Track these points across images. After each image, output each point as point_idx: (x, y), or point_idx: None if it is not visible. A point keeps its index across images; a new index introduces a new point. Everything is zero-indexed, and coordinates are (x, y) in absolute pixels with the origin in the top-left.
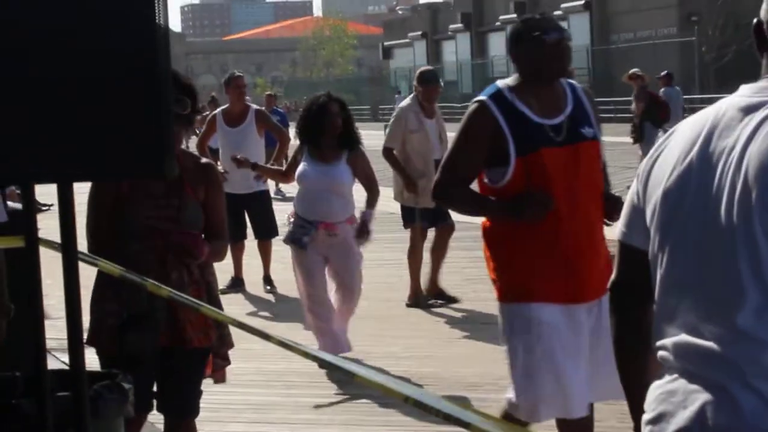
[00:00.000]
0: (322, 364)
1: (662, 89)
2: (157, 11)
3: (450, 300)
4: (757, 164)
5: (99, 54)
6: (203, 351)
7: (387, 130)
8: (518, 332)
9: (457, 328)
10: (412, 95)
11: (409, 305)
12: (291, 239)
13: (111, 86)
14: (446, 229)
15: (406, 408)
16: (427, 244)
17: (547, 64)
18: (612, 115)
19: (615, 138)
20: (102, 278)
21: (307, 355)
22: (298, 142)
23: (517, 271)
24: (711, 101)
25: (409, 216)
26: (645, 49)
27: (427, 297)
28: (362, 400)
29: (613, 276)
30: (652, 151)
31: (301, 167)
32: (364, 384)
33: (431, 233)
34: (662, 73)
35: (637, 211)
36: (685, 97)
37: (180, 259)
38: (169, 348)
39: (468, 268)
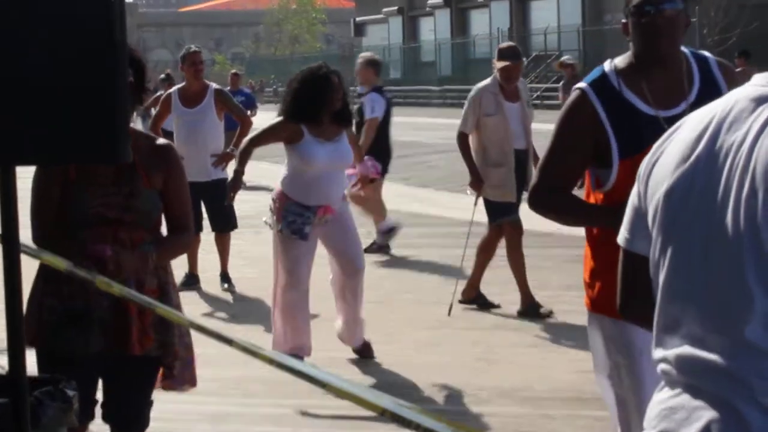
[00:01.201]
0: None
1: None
2: None
3: (489, 305)
4: (766, 161)
5: (45, 26)
6: (154, 358)
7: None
8: (617, 352)
9: (436, 335)
10: (491, 75)
11: (462, 301)
12: (292, 230)
13: (59, 61)
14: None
15: (381, 421)
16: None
17: (659, 40)
18: None
19: None
20: (43, 270)
21: (272, 361)
22: (279, 119)
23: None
24: None
25: (497, 211)
26: None
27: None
28: (330, 411)
29: (618, 287)
30: (654, 148)
31: (305, 148)
32: (337, 395)
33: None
34: (564, 58)
35: (639, 214)
36: None
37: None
38: (116, 353)
39: (447, 267)
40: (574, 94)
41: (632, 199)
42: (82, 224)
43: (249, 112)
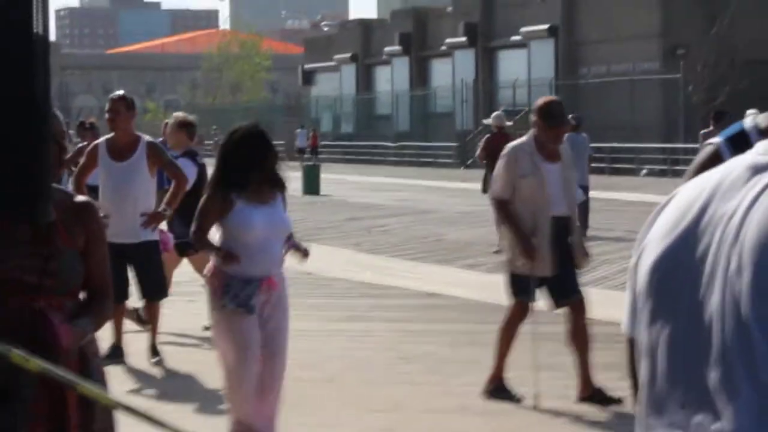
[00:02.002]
0: None
1: (567, 135)
2: (35, 18)
3: (612, 401)
4: (754, 239)
5: None
6: None
7: (494, 176)
8: None
9: (384, 418)
10: (529, 133)
11: (487, 392)
12: (237, 304)
13: None
14: (578, 304)
15: None
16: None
17: None
18: None
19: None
20: None
21: None
22: (204, 196)
23: None
24: (696, 152)
25: (522, 287)
26: (620, 86)
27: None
28: None
29: (628, 378)
30: (651, 217)
31: (239, 215)
32: None
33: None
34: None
35: (635, 293)
36: (666, 146)
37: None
38: None
39: (402, 343)
40: (706, 149)
41: (628, 280)
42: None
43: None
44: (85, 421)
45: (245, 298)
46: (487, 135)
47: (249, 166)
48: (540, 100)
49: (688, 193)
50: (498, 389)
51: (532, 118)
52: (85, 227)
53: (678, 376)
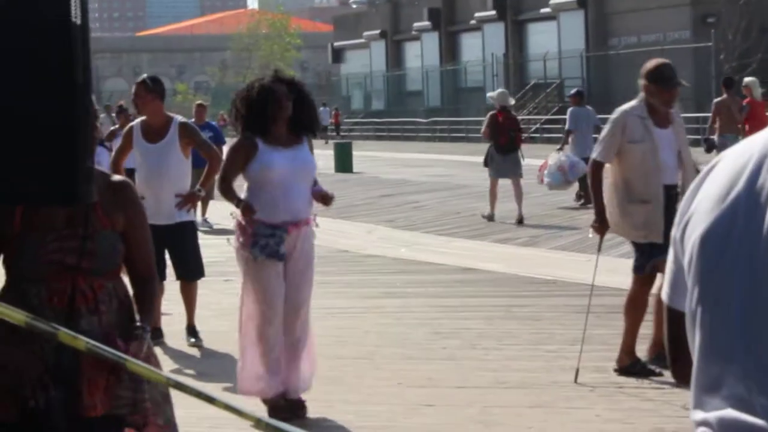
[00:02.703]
0: None
1: (570, 109)
2: (73, 8)
3: (649, 372)
4: None
5: (3, 59)
6: (118, 417)
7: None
8: None
9: (423, 393)
10: (638, 97)
11: (617, 370)
12: (268, 254)
13: (16, 98)
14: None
15: None
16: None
17: None
18: None
19: None
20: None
21: (258, 422)
22: (233, 142)
23: None
24: None
25: (642, 255)
26: (651, 56)
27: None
28: None
29: (666, 348)
30: (691, 188)
31: (262, 157)
32: None
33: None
34: (572, 92)
35: (679, 264)
36: (699, 115)
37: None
38: (73, 416)
39: (438, 319)
40: None
41: (671, 249)
42: (34, 277)
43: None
44: (104, 390)
45: (275, 246)
46: (491, 112)
47: (267, 115)
48: (649, 64)
49: (734, 161)
50: (631, 367)
51: (641, 82)
52: (124, 208)
53: (736, 351)
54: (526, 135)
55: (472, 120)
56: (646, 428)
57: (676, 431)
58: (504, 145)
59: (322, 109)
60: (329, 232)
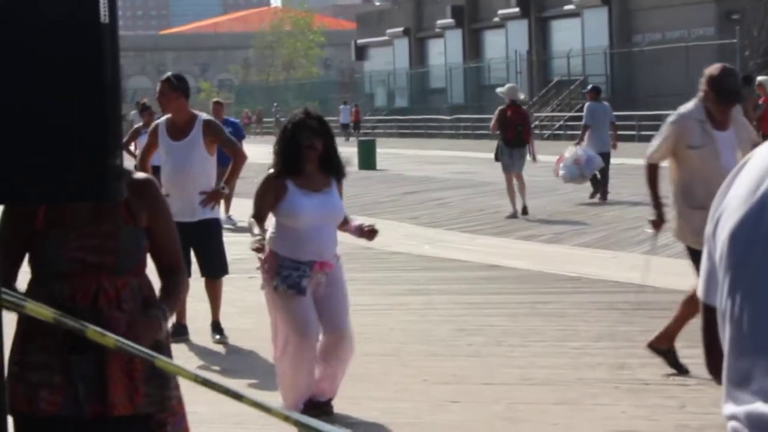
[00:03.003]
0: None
1: (587, 104)
2: (102, 8)
3: (678, 366)
4: None
5: (33, 58)
6: (144, 416)
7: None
8: None
9: (449, 390)
10: (696, 98)
11: (650, 346)
12: (288, 285)
13: (46, 95)
14: None
15: None
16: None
17: None
18: (634, 133)
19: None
20: (21, 327)
21: (287, 418)
22: (272, 170)
23: None
24: None
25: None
26: (675, 52)
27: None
28: None
29: (702, 344)
30: (723, 186)
31: (291, 200)
32: None
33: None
34: (588, 87)
35: (712, 261)
36: None
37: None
38: (101, 415)
39: (463, 316)
40: None
41: (705, 246)
42: (57, 275)
43: None
44: (132, 389)
45: (297, 279)
46: (500, 107)
47: (300, 154)
48: (714, 69)
49: (762, 159)
50: (664, 352)
51: (702, 86)
52: (147, 204)
53: (765, 343)
54: (549, 132)
55: None
56: (670, 425)
57: (700, 428)
58: (510, 140)
59: (342, 107)
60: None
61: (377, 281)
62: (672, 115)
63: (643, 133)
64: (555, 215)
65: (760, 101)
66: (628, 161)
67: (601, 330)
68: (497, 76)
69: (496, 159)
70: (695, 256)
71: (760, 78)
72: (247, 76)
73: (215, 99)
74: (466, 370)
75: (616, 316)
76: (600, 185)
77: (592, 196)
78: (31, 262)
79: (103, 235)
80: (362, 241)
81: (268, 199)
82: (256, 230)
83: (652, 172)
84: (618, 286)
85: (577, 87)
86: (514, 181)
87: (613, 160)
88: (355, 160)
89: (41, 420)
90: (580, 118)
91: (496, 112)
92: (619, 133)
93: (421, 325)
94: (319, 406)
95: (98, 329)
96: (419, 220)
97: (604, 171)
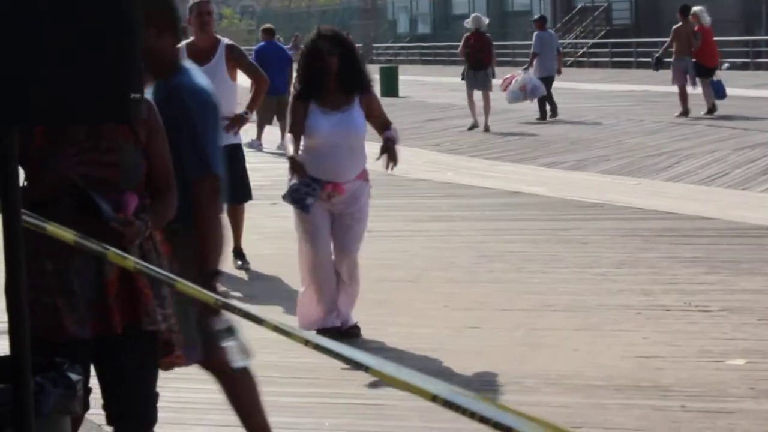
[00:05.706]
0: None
1: (535, 33)
2: None
3: None
4: None
5: None
6: (150, 337)
7: None
8: None
9: (470, 316)
10: None
11: None
12: (292, 199)
13: (66, 14)
14: None
15: (408, 411)
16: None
17: None
18: None
19: (664, 87)
20: (32, 246)
21: (307, 342)
22: (292, 96)
23: None
24: None
25: None
26: None
27: None
28: (355, 401)
29: None
30: None
31: (310, 119)
32: (383, 380)
33: None
34: (536, 17)
35: None
36: (747, 38)
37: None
38: (105, 337)
39: (485, 242)
40: None
41: None
42: (58, 191)
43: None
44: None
45: (303, 194)
46: (466, 34)
47: (313, 76)
48: None
49: None
50: None
51: None
52: (146, 122)
53: None
54: (572, 59)
55: (519, 44)
56: (692, 351)
57: (723, 353)
58: (472, 64)
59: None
60: (375, 155)
61: (400, 207)
62: None
63: (668, 59)
64: (579, 142)
65: (696, 29)
66: (652, 89)
67: (623, 257)
68: (520, 3)
69: (462, 79)
70: None
71: (694, 8)
72: (269, 2)
73: (266, 25)
74: (487, 296)
75: (638, 242)
76: (545, 109)
77: (539, 119)
78: (30, 181)
79: (102, 150)
80: (379, 165)
81: (296, 117)
82: (291, 148)
83: None
84: (641, 212)
85: (601, 14)
86: (480, 101)
87: (635, 87)
88: (377, 87)
89: (48, 343)
90: (603, 45)
91: (462, 39)
92: (645, 60)
93: (442, 251)
94: (346, 335)
95: (119, 252)
96: (441, 147)
97: (549, 94)
